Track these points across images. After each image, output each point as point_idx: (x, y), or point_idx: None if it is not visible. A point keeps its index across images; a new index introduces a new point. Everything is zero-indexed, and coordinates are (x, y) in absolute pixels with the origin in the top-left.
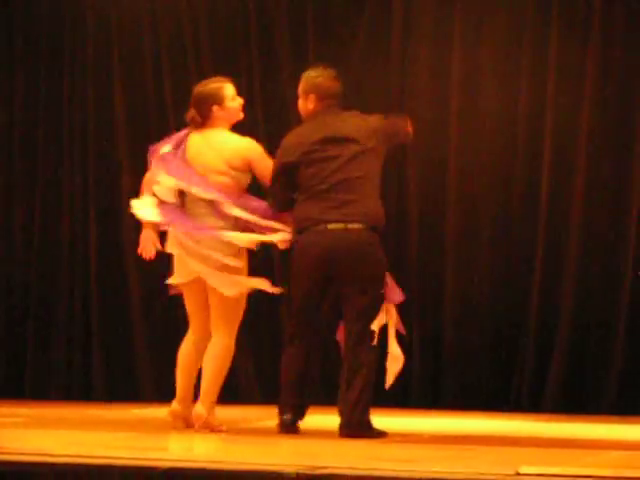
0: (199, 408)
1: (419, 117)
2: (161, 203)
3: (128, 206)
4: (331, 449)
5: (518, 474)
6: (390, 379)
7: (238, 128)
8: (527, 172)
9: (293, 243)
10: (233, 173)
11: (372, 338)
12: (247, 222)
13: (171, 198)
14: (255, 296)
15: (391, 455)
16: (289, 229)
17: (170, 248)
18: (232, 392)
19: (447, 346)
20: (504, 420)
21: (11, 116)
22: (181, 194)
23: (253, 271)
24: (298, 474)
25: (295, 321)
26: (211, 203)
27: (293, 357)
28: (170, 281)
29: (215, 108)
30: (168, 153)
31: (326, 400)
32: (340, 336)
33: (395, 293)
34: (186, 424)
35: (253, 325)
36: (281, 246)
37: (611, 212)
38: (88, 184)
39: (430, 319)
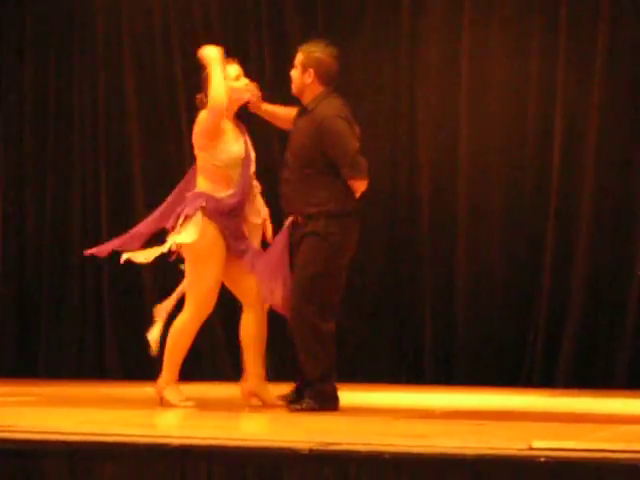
0: (160, 381)
1: (429, 95)
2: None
3: (139, 183)
4: (344, 425)
5: (531, 448)
6: None
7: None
8: (538, 152)
9: (349, 217)
10: (197, 151)
11: None
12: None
13: None
14: None
15: (404, 431)
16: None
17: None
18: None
19: (459, 323)
20: (516, 395)
21: (21, 93)
22: None
23: None
24: (311, 450)
25: (336, 298)
26: None
27: (332, 332)
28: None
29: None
30: None
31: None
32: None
33: None
34: (261, 401)
35: None
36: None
37: (622, 190)
38: (99, 161)
39: (442, 296)
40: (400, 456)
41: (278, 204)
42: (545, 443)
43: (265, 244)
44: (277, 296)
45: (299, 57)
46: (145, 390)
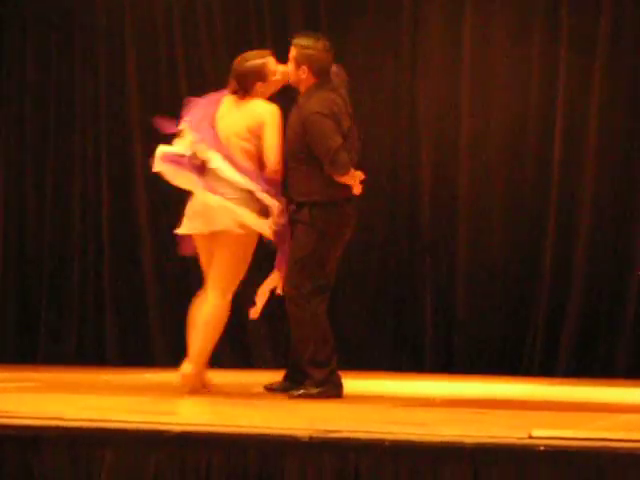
0: (187, 368)
1: (431, 85)
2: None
3: (140, 169)
4: (344, 413)
5: (531, 437)
6: None
7: None
8: (539, 145)
9: (334, 207)
10: (252, 138)
11: None
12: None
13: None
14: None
15: (404, 418)
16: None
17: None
18: (245, 356)
19: (460, 311)
20: (517, 384)
21: (23, 82)
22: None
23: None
24: (311, 438)
25: (327, 280)
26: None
27: (325, 314)
28: (181, 231)
29: (259, 85)
30: (199, 109)
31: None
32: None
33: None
34: (201, 386)
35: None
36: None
37: (623, 179)
38: (100, 147)
39: (443, 284)
40: (400, 444)
41: None
42: (545, 432)
43: None
44: None
45: (292, 52)
46: (145, 376)
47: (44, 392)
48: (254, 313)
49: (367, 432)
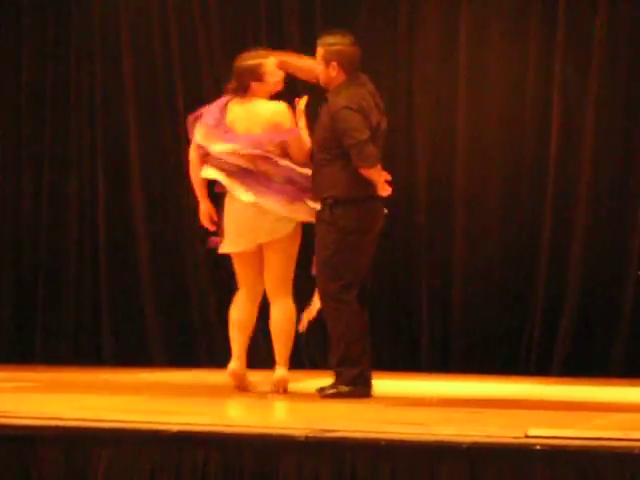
0: (282, 372)
1: (427, 82)
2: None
3: (136, 166)
4: (340, 412)
5: (527, 436)
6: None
7: None
8: (535, 138)
9: (357, 204)
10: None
11: None
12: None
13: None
14: None
15: (400, 418)
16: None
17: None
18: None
19: (456, 310)
20: (513, 383)
21: (19, 76)
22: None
23: None
24: (308, 437)
25: (355, 277)
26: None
27: (360, 315)
28: (225, 250)
29: (254, 84)
30: (212, 123)
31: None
32: None
33: None
34: (244, 384)
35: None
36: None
37: (620, 174)
38: (96, 144)
39: (439, 283)
40: (396, 443)
41: None
42: (541, 431)
43: None
44: None
45: (319, 52)
46: (141, 376)
47: (41, 392)
48: (301, 328)
49: (363, 432)
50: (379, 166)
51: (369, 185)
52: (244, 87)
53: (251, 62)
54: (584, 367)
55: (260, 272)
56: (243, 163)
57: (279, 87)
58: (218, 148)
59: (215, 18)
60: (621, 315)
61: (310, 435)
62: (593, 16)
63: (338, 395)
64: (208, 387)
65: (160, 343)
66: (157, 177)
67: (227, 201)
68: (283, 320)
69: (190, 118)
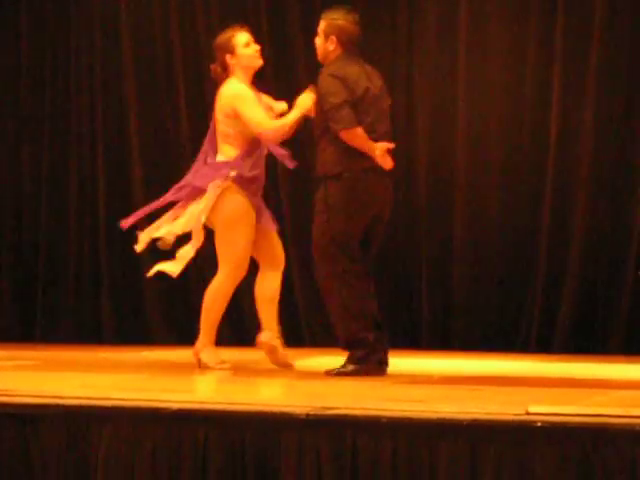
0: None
1: (426, 79)
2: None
3: (136, 146)
4: (341, 390)
5: (528, 413)
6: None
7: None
8: (535, 125)
9: (350, 179)
10: (229, 121)
11: None
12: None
13: None
14: None
15: (401, 395)
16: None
17: None
18: (247, 335)
19: (456, 288)
20: (513, 361)
21: (18, 59)
22: None
23: None
24: (309, 415)
25: (351, 257)
26: None
27: (367, 290)
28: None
29: (228, 57)
30: None
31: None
32: None
33: None
34: (271, 358)
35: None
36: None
37: (621, 152)
38: (95, 122)
39: (439, 261)
40: (397, 420)
41: None
42: (542, 408)
43: None
44: None
45: (322, 25)
46: (142, 354)
47: (42, 370)
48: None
49: (364, 409)
50: (360, 132)
51: (362, 157)
52: (222, 65)
53: (223, 36)
54: (584, 344)
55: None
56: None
57: (255, 61)
58: None
59: (215, 2)
60: (621, 292)
61: (311, 413)
62: (592, 9)
63: (342, 374)
64: None
65: (161, 321)
66: (157, 155)
67: None
68: (208, 293)
69: None
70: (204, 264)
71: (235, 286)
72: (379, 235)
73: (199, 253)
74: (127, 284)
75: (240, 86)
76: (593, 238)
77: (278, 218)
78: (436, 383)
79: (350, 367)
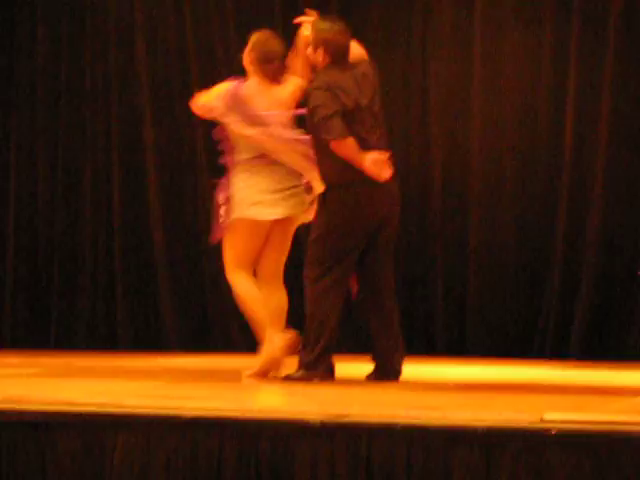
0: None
1: (441, 81)
2: None
3: (151, 155)
4: (355, 397)
5: (543, 421)
6: None
7: None
8: (550, 127)
9: (346, 189)
10: None
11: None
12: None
13: None
14: None
15: (416, 402)
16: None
17: None
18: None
19: (472, 294)
20: (529, 367)
21: (34, 70)
22: None
23: None
24: (323, 422)
25: (338, 263)
26: None
27: (337, 302)
28: (270, 216)
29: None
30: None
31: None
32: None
33: None
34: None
35: None
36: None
37: (635, 160)
38: (111, 131)
39: (455, 267)
40: (412, 428)
41: None
42: (557, 415)
43: None
44: None
45: (311, 35)
46: (157, 361)
47: (56, 377)
48: None
49: (379, 416)
50: (351, 142)
51: (353, 169)
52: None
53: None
54: (600, 351)
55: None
56: None
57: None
58: None
59: (230, 12)
60: (637, 299)
61: (325, 420)
62: (607, 19)
63: (291, 379)
64: (224, 373)
65: (176, 329)
66: (172, 164)
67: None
68: (285, 305)
69: None
70: (220, 272)
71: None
72: (388, 240)
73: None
74: (142, 291)
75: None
76: (609, 245)
77: None
78: (451, 390)
79: (299, 372)
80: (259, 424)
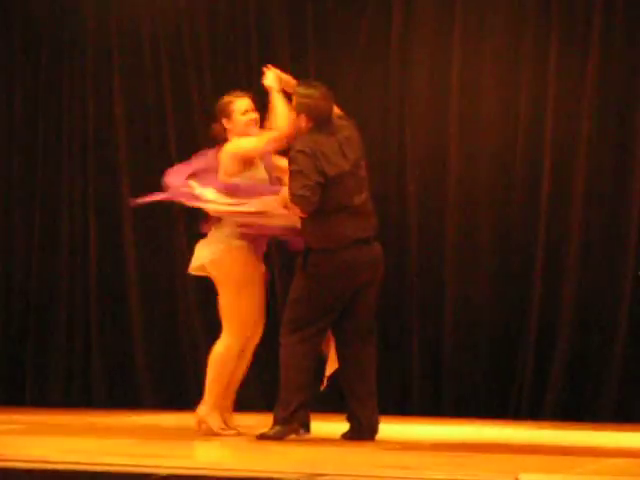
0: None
1: (419, 120)
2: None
3: (128, 208)
4: (332, 456)
5: None
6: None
7: None
8: (527, 173)
9: (326, 253)
10: (224, 177)
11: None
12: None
13: None
14: None
15: (391, 462)
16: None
17: None
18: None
19: (447, 353)
20: (504, 427)
21: (11, 123)
22: None
23: None
24: None
25: (313, 325)
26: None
27: (306, 358)
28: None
29: (225, 121)
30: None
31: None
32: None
33: None
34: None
35: None
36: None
37: (612, 212)
38: (88, 183)
39: (430, 327)
40: None
41: None
42: (532, 476)
43: None
44: None
45: (293, 100)
46: (131, 419)
47: (30, 434)
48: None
49: (354, 476)
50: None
51: (345, 230)
52: (221, 127)
53: (223, 100)
54: (575, 411)
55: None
56: None
57: (249, 130)
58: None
59: (205, 38)
60: (612, 360)
61: (301, 479)
62: (588, 28)
63: (265, 437)
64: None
65: (151, 386)
66: (149, 217)
67: None
68: (212, 357)
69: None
70: (197, 329)
71: (240, 348)
72: (369, 299)
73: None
74: (117, 348)
75: (236, 141)
76: (584, 305)
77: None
78: (426, 449)
79: (274, 429)
80: None
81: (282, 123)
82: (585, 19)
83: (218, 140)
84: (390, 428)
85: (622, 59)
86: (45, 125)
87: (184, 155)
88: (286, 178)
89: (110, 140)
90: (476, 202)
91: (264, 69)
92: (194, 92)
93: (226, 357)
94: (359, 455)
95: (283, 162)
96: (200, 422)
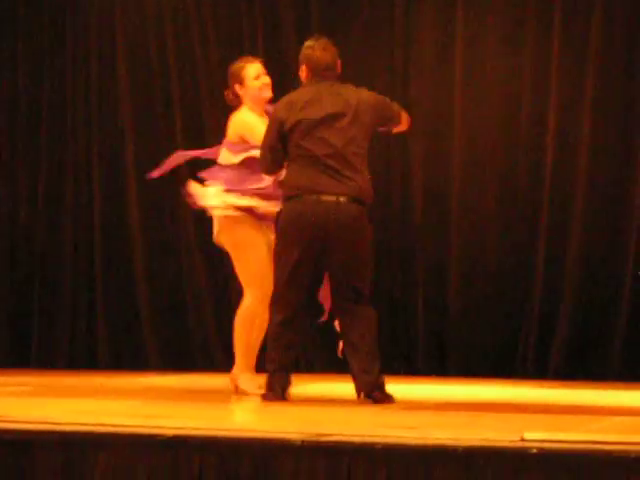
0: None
1: (423, 94)
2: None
3: (132, 172)
4: (336, 416)
5: (523, 440)
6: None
7: None
8: (531, 143)
9: (281, 210)
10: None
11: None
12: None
13: None
14: None
15: (396, 422)
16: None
17: None
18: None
19: (452, 313)
20: (509, 387)
21: (15, 89)
22: None
23: None
24: (304, 441)
25: (283, 290)
26: None
27: (285, 327)
28: None
29: (237, 87)
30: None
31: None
32: (325, 299)
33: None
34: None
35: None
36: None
37: (616, 180)
38: (92, 149)
39: (435, 286)
40: (392, 447)
41: None
42: (537, 435)
43: None
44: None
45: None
46: (137, 380)
47: (37, 396)
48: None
49: (359, 435)
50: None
51: (308, 181)
52: (233, 93)
53: (235, 66)
54: (581, 371)
55: None
56: None
57: (263, 94)
58: None
59: (211, 25)
60: (618, 318)
61: (306, 439)
62: (589, 16)
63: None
64: (204, 391)
65: (156, 347)
66: (153, 183)
67: None
68: (237, 319)
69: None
70: (202, 290)
71: (262, 307)
72: (344, 260)
73: (196, 278)
74: (122, 310)
75: (247, 115)
76: (589, 264)
77: None
78: (431, 409)
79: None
80: (240, 443)
81: None
82: (586, 21)
83: (233, 106)
84: (395, 388)
85: (623, 61)
86: (49, 92)
87: (188, 119)
88: None
89: (114, 105)
90: (482, 168)
91: None
92: (198, 54)
93: (247, 317)
94: (364, 415)
95: None
96: (233, 383)
